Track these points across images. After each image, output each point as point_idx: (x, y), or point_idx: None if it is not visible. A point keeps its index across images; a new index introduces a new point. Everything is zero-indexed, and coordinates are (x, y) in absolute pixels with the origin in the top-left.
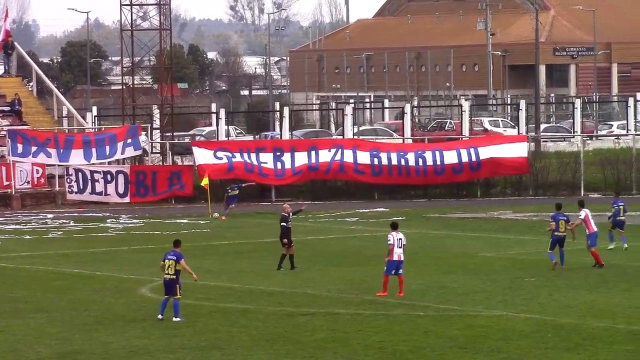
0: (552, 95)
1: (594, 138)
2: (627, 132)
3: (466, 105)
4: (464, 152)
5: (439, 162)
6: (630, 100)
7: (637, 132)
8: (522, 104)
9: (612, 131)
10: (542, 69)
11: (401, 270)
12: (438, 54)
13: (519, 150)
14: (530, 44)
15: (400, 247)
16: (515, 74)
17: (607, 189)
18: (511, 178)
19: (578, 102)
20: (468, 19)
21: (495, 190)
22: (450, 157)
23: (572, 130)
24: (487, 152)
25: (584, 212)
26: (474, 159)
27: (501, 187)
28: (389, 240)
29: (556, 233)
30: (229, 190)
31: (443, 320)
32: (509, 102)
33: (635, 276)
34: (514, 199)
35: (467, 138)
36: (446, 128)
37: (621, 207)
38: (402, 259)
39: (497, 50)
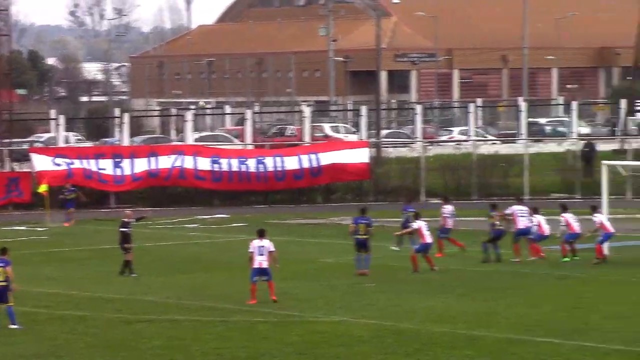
0: (394, 101)
1: (434, 144)
2: (468, 137)
3: (307, 111)
4: (304, 158)
5: (279, 168)
6: (471, 106)
7: (478, 138)
8: (363, 109)
9: (453, 137)
10: (384, 75)
11: (266, 277)
12: (279, 60)
13: (360, 156)
14: (372, 50)
15: (262, 255)
16: (357, 80)
17: (447, 194)
18: (352, 184)
19: (419, 108)
20: (310, 25)
21: (336, 196)
22: (291, 163)
23: (413, 136)
24: (328, 158)
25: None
26: (314, 164)
27: (342, 192)
28: (249, 248)
29: (356, 236)
30: (66, 194)
31: (282, 327)
32: (350, 108)
33: (473, 281)
34: (354, 205)
35: (308, 144)
36: (287, 134)
37: (411, 213)
38: (265, 266)
39: (339, 56)
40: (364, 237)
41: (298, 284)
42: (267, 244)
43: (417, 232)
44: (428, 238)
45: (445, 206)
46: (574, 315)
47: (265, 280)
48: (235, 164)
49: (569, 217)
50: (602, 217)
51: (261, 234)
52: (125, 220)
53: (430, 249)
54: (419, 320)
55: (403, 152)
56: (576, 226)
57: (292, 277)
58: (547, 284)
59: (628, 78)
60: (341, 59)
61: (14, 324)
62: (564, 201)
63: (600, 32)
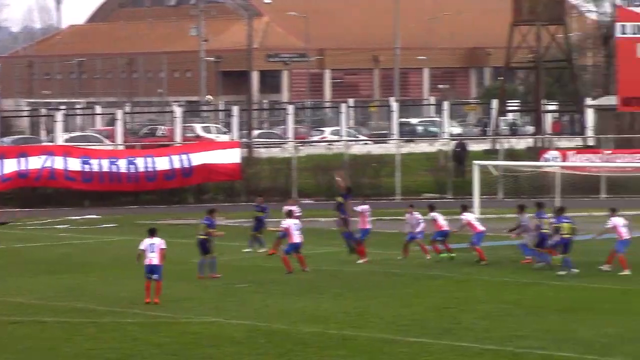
0: (265, 101)
1: (306, 144)
2: (340, 138)
3: (178, 111)
4: (176, 158)
5: (150, 169)
6: (343, 106)
7: (349, 138)
8: (235, 110)
9: (325, 137)
10: (255, 75)
11: (156, 275)
12: (151, 60)
13: (232, 157)
14: (243, 50)
15: (153, 252)
16: (229, 80)
17: (319, 195)
18: (224, 184)
19: (291, 108)
20: (181, 25)
21: (208, 197)
22: (162, 164)
23: (284, 137)
24: (199, 158)
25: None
26: (186, 165)
27: (213, 193)
28: (140, 245)
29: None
30: None
31: (153, 328)
32: (221, 109)
33: (346, 281)
34: (226, 205)
35: (180, 144)
36: (158, 134)
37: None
38: (155, 262)
39: (210, 56)
40: (204, 237)
41: (170, 284)
42: (157, 241)
43: (286, 231)
44: (297, 238)
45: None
46: (446, 314)
47: (155, 280)
48: (105, 165)
49: (437, 216)
50: (470, 216)
51: (152, 232)
52: None
53: (301, 248)
54: (291, 321)
55: (275, 152)
56: (445, 225)
57: (164, 278)
58: (419, 283)
59: (499, 78)
60: (212, 59)
61: None
62: (432, 201)
63: (472, 32)
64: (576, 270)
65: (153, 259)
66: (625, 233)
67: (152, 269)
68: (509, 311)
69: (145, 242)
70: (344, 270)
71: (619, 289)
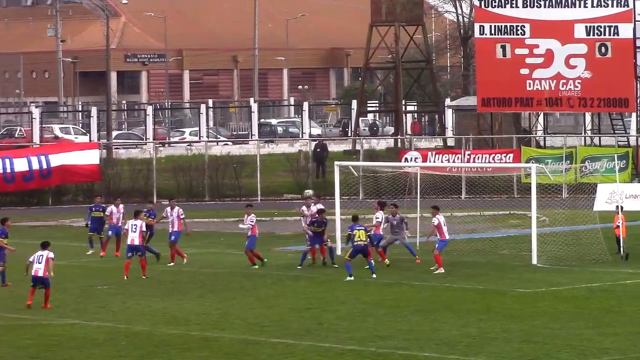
0: (124, 102)
1: (166, 145)
2: (200, 138)
3: (36, 112)
4: (34, 159)
5: (9, 170)
6: (202, 107)
7: (209, 139)
8: (94, 110)
9: (185, 138)
10: (114, 76)
11: (42, 286)
12: (7, 60)
13: (91, 158)
14: (101, 50)
15: (40, 263)
16: (87, 81)
17: (179, 196)
18: (83, 185)
19: (150, 109)
20: (38, 25)
21: (67, 198)
22: (21, 165)
23: (144, 137)
24: (58, 159)
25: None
26: (44, 166)
27: (73, 194)
28: (30, 257)
29: None
30: None
31: (13, 330)
32: (80, 109)
33: (208, 282)
34: (85, 207)
35: (38, 145)
36: (16, 135)
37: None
38: (40, 274)
39: (68, 56)
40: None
41: (21, 288)
42: (46, 253)
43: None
44: (446, 234)
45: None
46: (308, 315)
47: (41, 288)
48: None
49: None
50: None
51: (44, 246)
52: None
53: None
54: (152, 323)
55: (134, 153)
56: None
57: (23, 280)
58: (281, 285)
59: (359, 79)
60: (70, 59)
61: None
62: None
63: (331, 33)
64: (351, 278)
65: (39, 270)
66: (445, 233)
67: (38, 280)
68: (370, 312)
69: (35, 254)
70: (204, 272)
71: (478, 289)
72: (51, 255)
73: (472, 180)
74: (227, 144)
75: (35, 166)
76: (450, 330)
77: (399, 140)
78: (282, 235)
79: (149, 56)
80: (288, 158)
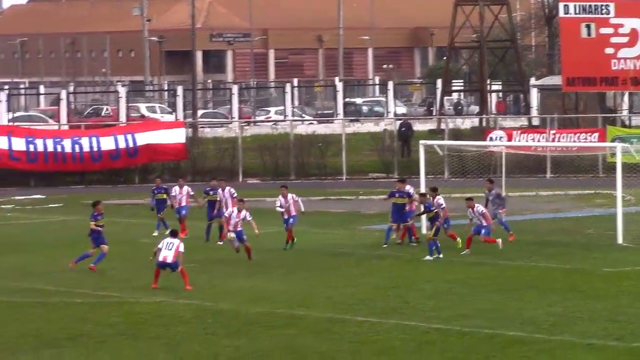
0: (210, 81)
1: (251, 124)
2: (285, 117)
3: (123, 91)
4: (121, 138)
5: (95, 149)
6: (288, 86)
7: (295, 118)
8: (180, 89)
9: (270, 117)
10: (199, 55)
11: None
12: (94, 40)
13: (177, 136)
14: (187, 30)
15: (170, 250)
16: (173, 60)
17: (265, 175)
18: (169, 164)
19: (235, 88)
20: (124, 5)
21: (154, 177)
22: (107, 144)
23: (229, 116)
24: (144, 138)
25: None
26: (131, 145)
27: (159, 173)
28: (158, 244)
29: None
30: None
31: (101, 307)
32: (166, 88)
33: (293, 261)
34: (171, 185)
35: (124, 124)
36: (103, 114)
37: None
38: (169, 260)
39: (154, 36)
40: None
41: (117, 264)
42: (176, 242)
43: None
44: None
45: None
46: (394, 294)
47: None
48: (50, 145)
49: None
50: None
51: (173, 234)
52: None
53: None
54: (238, 301)
55: (220, 132)
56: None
57: (110, 258)
58: (366, 263)
59: (443, 58)
60: (156, 39)
61: None
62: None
63: (416, 12)
64: (430, 258)
65: (168, 256)
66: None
67: (166, 265)
68: (455, 290)
69: (164, 241)
70: (290, 250)
71: (563, 268)
72: (181, 248)
73: (557, 159)
74: (312, 123)
75: (122, 145)
76: (535, 309)
77: (484, 119)
78: (368, 214)
79: (234, 35)
80: (373, 137)
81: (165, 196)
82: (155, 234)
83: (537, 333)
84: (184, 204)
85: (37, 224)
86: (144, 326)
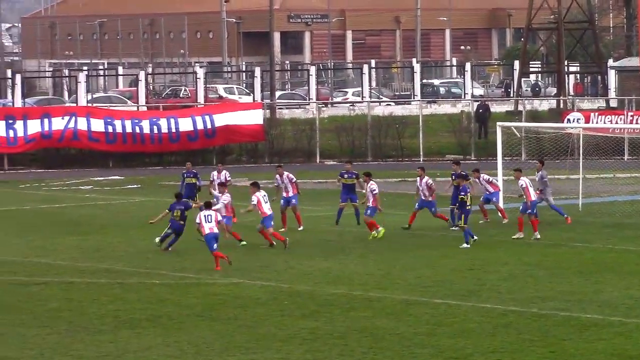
0: (287, 62)
1: (329, 105)
2: (362, 99)
3: (201, 72)
4: (199, 119)
5: (173, 130)
6: (365, 67)
7: (372, 100)
8: (257, 71)
9: (347, 98)
10: (277, 36)
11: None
12: (172, 21)
13: (254, 118)
14: (264, 11)
15: (209, 222)
16: (250, 41)
17: (342, 156)
18: (247, 145)
19: (313, 69)
20: None
21: (231, 158)
22: (185, 125)
23: (307, 98)
24: (222, 119)
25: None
26: (209, 126)
27: (237, 154)
28: (197, 219)
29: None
30: None
31: (180, 289)
32: (243, 69)
33: (370, 243)
34: (249, 167)
35: (202, 105)
36: (181, 95)
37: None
38: (216, 231)
39: (232, 17)
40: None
41: (193, 246)
42: (213, 213)
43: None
44: (268, 211)
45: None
46: (470, 276)
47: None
48: (129, 126)
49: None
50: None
51: (208, 206)
52: None
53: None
54: (315, 282)
55: (297, 113)
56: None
57: (187, 240)
58: (443, 245)
59: (521, 39)
60: (234, 20)
61: None
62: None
63: None
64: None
65: (213, 227)
66: (532, 195)
67: (216, 237)
68: (531, 273)
69: (201, 215)
70: (367, 232)
71: None
72: (219, 217)
73: (635, 141)
74: (389, 104)
75: (200, 126)
76: (612, 292)
77: (561, 101)
78: (445, 195)
79: (311, 16)
80: (450, 118)
81: (194, 180)
82: None
83: (613, 316)
84: (291, 192)
85: (115, 205)
86: (221, 307)
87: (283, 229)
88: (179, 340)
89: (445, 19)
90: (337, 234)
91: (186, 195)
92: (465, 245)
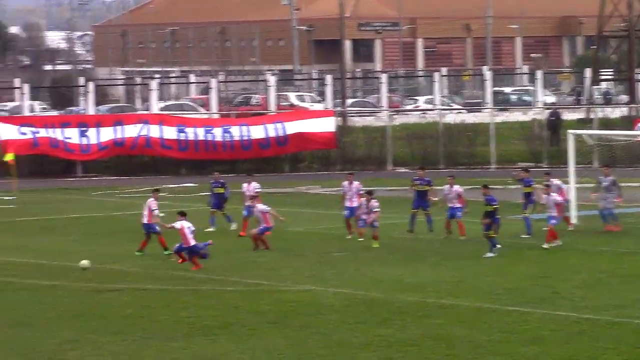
0: (358, 70)
1: (400, 113)
2: (434, 106)
3: (272, 80)
4: (270, 127)
5: (245, 137)
6: (436, 75)
7: (444, 107)
8: (329, 78)
9: (419, 106)
10: (348, 44)
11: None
12: (243, 29)
13: (326, 125)
14: (335, 19)
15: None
16: (321, 49)
17: (414, 163)
18: (318, 153)
19: (384, 77)
20: None
21: (303, 165)
22: (257, 132)
23: (378, 105)
24: (294, 127)
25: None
26: (280, 133)
27: (309, 161)
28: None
29: None
30: None
31: (252, 296)
32: (315, 77)
33: (443, 250)
34: (321, 174)
35: (274, 113)
36: (252, 103)
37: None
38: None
39: (302, 25)
40: None
41: (266, 253)
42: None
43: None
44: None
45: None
46: (543, 283)
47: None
48: (201, 133)
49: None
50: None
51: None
52: None
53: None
54: (388, 289)
55: (369, 121)
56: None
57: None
58: (514, 253)
59: (592, 47)
60: (304, 27)
61: None
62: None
63: (564, 1)
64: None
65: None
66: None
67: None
68: (605, 280)
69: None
70: (439, 239)
71: None
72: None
73: None
74: (460, 112)
75: (272, 133)
76: None
77: (633, 108)
78: (516, 203)
79: (382, 24)
80: (522, 126)
81: (222, 190)
82: (211, 229)
83: None
84: (355, 203)
85: (188, 212)
86: (294, 314)
87: (349, 236)
88: (252, 347)
89: (516, 26)
90: (409, 241)
91: (215, 205)
92: (490, 254)
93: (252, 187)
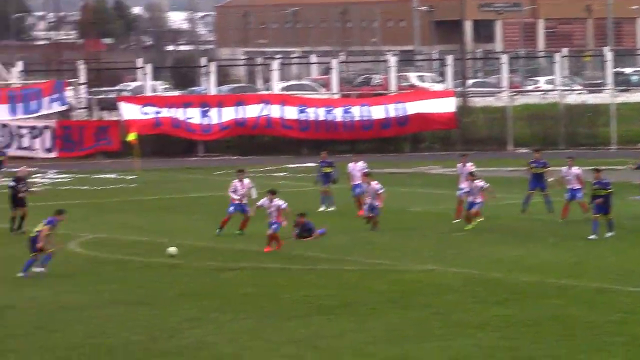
0: (479, 50)
1: (520, 93)
2: (554, 87)
3: (393, 60)
4: (391, 107)
5: (366, 117)
6: (557, 56)
7: (564, 88)
8: (449, 59)
9: (539, 86)
10: (468, 25)
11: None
12: (364, 10)
13: (447, 106)
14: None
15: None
16: (442, 29)
17: (534, 144)
18: (439, 133)
19: (505, 58)
20: None
21: (424, 145)
22: (378, 113)
23: (499, 86)
24: (414, 107)
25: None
26: (401, 114)
27: (429, 142)
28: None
29: None
30: None
31: (372, 275)
32: (435, 58)
33: (563, 231)
34: (442, 154)
35: (395, 93)
36: (373, 83)
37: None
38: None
39: (423, 5)
40: None
41: (385, 233)
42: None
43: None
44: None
45: None
46: None
47: None
48: (322, 113)
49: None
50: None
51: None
52: (19, 176)
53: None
54: (507, 270)
55: (489, 101)
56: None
57: (380, 227)
58: (634, 235)
59: None
60: (425, 8)
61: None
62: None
63: None
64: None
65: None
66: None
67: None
68: None
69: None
70: (557, 220)
71: None
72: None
73: None
74: (581, 93)
75: (392, 114)
76: None
77: None
78: (635, 184)
79: (503, 5)
80: None
81: (330, 170)
82: (322, 208)
83: None
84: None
85: (308, 192)
86: (413, 294)
87: (457, 220)
88: (372, 327)
89: (637, 7)
90: (527, 221)
91: (323, 184)
92: (593, 236)
93: (359, 166)
